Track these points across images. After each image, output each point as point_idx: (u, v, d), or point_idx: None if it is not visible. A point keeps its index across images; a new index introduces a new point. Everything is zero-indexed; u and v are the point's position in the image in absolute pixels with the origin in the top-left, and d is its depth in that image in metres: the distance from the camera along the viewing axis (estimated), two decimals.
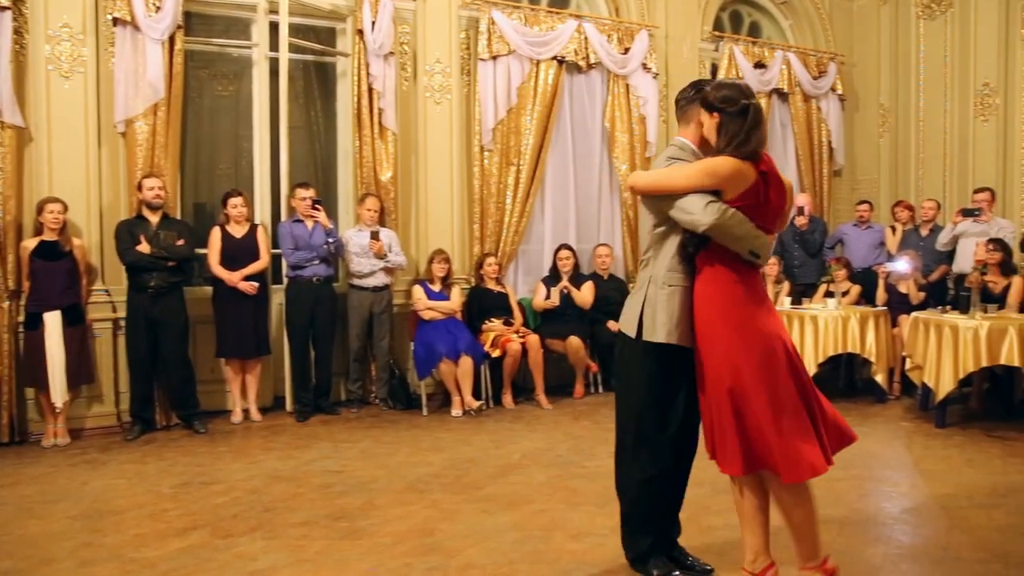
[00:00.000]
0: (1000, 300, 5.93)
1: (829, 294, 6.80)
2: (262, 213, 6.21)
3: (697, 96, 2.85)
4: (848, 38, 9.04)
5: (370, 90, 6.37)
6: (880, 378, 6.27)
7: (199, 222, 6.36)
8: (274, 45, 6.14)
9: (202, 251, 5.83)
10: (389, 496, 4.12)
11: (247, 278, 5.74)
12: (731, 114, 2.70)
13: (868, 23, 8.91)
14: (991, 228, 6.66)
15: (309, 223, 6.02)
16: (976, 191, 7.03)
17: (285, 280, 6.07)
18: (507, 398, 6.41)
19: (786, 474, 2.62)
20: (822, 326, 6.16)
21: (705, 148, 2.85)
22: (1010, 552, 3.30)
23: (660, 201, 2.76)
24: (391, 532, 3.59)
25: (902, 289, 6.83)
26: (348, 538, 3.52)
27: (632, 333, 2.86)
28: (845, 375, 7.14)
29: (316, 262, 5.99)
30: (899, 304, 6.74)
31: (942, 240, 6.98)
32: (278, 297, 6.21)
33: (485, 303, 6.64)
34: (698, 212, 2.65)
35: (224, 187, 6.25)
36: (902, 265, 6.74)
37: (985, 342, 5.20)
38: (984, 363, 5.23)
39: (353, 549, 3.39)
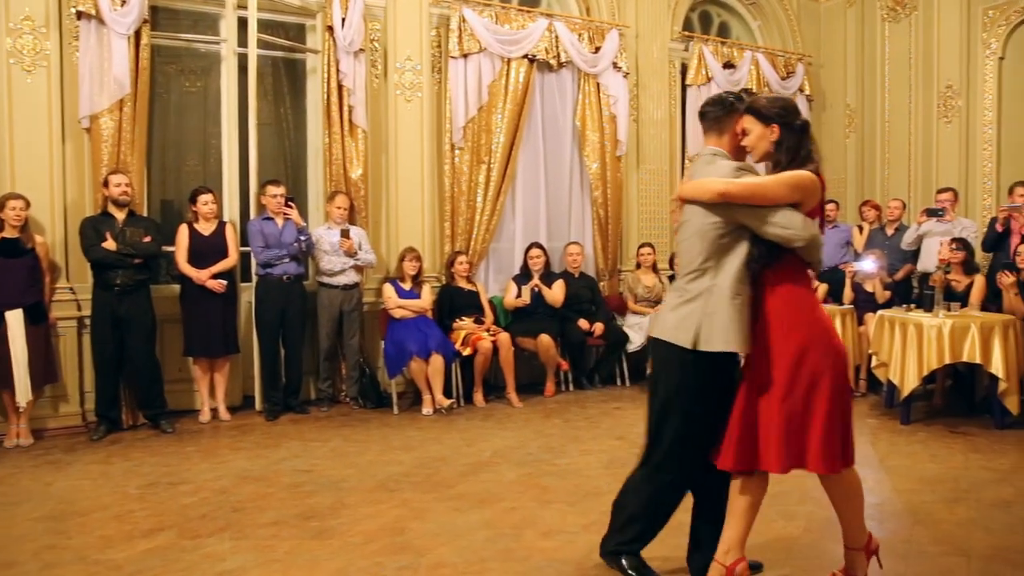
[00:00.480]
0: (963, 299, 6.04)
1: None
2: (231, 210, 6.14)
3: (738, 107, 2.84)
4: (815, 39, 9.15)
5: (340, 87, 6.33)
6: (848, 375, 6.35)
7: (166, 219, 6.27)
8: (243, 41, 6.07)
9: (169, 248, 5.75)
10: (359, 495, 4.10)
11: (215, 276, 5.68)
12: (793, 127, 2.77)
13: (835, 25, 9.03)
14: (954, 227, 6.78)
15: (279, 220, 5.97)
16: (939, 191, 7.16)
17: (254, 278, 6.01)
18: (478, 396, 6.40)
19: (845, 462, 2.76)
20: None
21: (739, 158, 2.87)
22: (972, 546, 3.36)
23: (736, 211, 2.71)
24: (361, 531, 3.57)
25: (868, 288, 6.93)
26: (318, 538, 3.50)
27: (687, 343, 2.75)
28: None
29: (286, 260, 5.94)
30: (865, 303, 6.84)
31: (907, 240, 7.10)
32: (247, 295, 6.14)
33: (456, 301, 6.63)
34: (798, 227, 2.68)
35: (192, 184, 6.17)
36: (868, 264, 6.84)
37: (948, 340, 5.30)
38: (947, 360, 5.33)
39: (323, 549, 3.37)
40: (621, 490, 3.07)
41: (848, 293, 6.99)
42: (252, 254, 5.98)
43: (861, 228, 7.69)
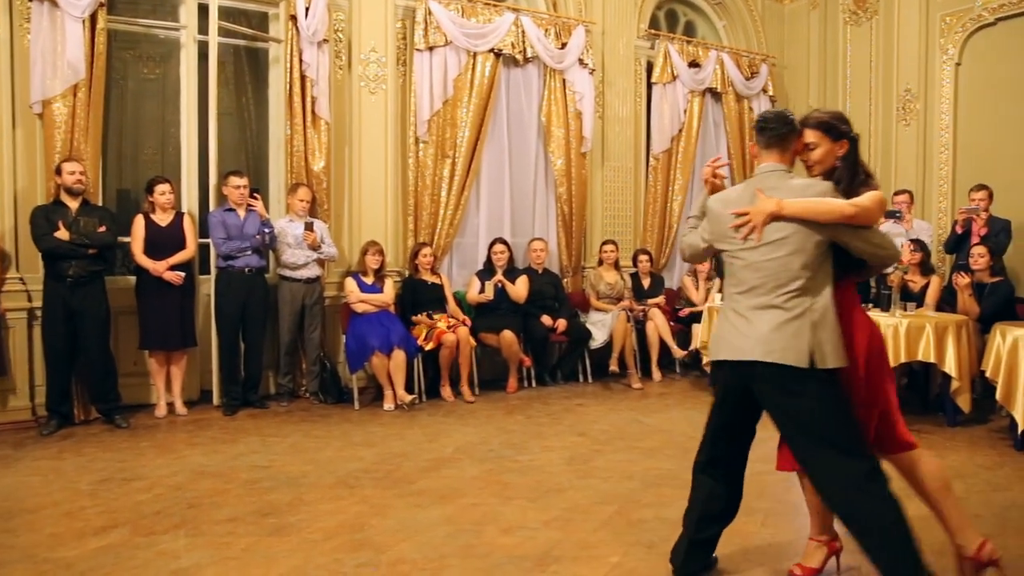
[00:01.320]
0: (919, 299, 6.16)
1: None
2: (189, 201, 6.02)
3: (802, 123, 2.85)
4: (779, 41, 9.26)
5: (303, 78, 6.23)
6: None
7: (122, 209, 6.14)
8: (203, 28, 5.95)
9: (125, 239, 5.63)
10: (319, 491, 4.04)
11: (173, 268, 5.56)
12: (855, 142, 2.83)
13: (798, 27, 9.14)
14: (910, 230, 6.91)
15: (242, 212, 5.87)
16: (896, 193, 7.28)
17: (214, 270, 5.90)
18: (446, 391, 6.36)
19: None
20: None
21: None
22: (925, 539, 3.40)
23: (840, 231, 2.71)
24: (320, 528, 3.52)
25: None
26: (276, 535, 3.44)
27: (803, 363, 2.65)
28: None
29: (249, 252, 5.84)
30: None
31: None
32: (206, 288, 6.04)
33: (419, 295, 6.58)
34: (891, 246, 2.80)
35: (149, 173, 6.06)
36: None
37: (904, 339, 5.38)
38: (903, 359, 5.41)
39: (281, 546, 3.32)
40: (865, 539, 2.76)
41: None
42: (213, 246, 5.86)
43: None
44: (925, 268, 6.41)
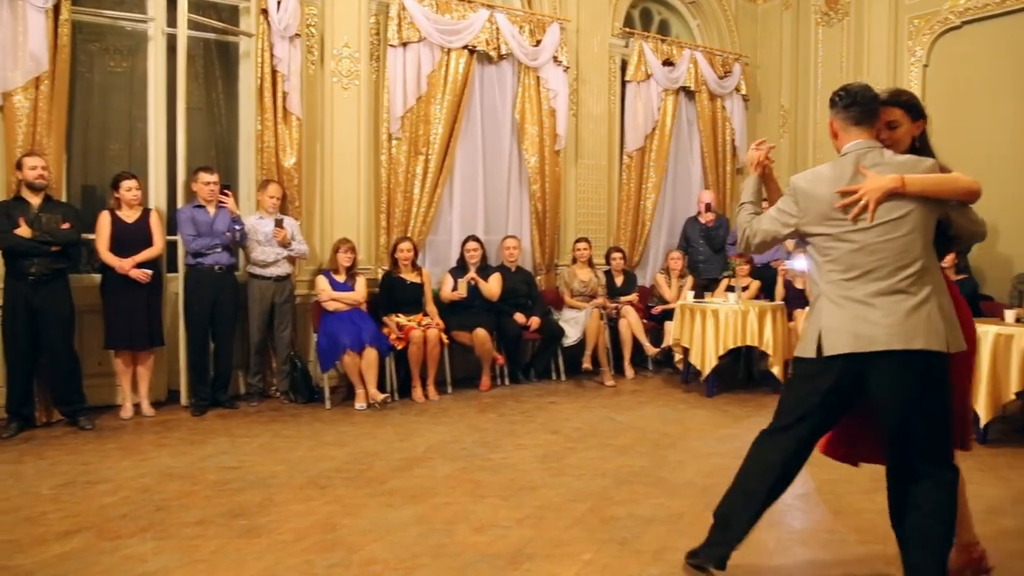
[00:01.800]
0: None
1: (730, 288, 6.98)
2: (156, 197, 5.92)
3: (885, 101, 2.79)
4: (752, 40, 9.31)
5: (274, 73, 6.16)
6: (776, 370, 6.48)
7: (87, 205, 6.00)
8: (172, 21, 5.85)
9: (90, 236, 5.51)
10: (289, 492, 3.99)
11: (140, 265, 5.46)
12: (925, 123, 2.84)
13: (771, 27, 9.21)
14: None
15: (211, 208, 5.78)
16: None
17: (183, 268, 5.81)
18: (417, 392, 6.31)
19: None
20: (723, 320, 6.32)
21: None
22: (890, 534, 3.42)
23: (950, 209, 2.69)
24: (291, 529, 3.47)
25: (798, 285, 7.09)
26: (245, 536, 3.38)
27: (944, 347, 2.54)
28: (744, 367, 7.36)
29: (219, 250, 5.76)
30: (795, 299, 6.99)
31: None
32: (173, 286, 5.94)
33: (397, 293, 6.50)
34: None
35: (115, 169, 5.92)
36: (800, 263, 6.99)
37: None
38: None
39: (251, 548, 3.26)
40: (913, 531, 2.66)
41: (780, 290, 7.14)
42: (181, 243, 5.77)
43: None
44: None
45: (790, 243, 7.59)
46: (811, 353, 2.66)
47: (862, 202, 2.59)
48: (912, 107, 2.82)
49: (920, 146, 2.83)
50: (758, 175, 3.00)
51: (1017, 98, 7.20)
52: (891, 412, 2.60)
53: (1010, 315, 5.20)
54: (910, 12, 7.91)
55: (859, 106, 2.70)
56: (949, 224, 2.72)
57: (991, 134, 7.26)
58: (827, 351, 2.62)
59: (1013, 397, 4.87)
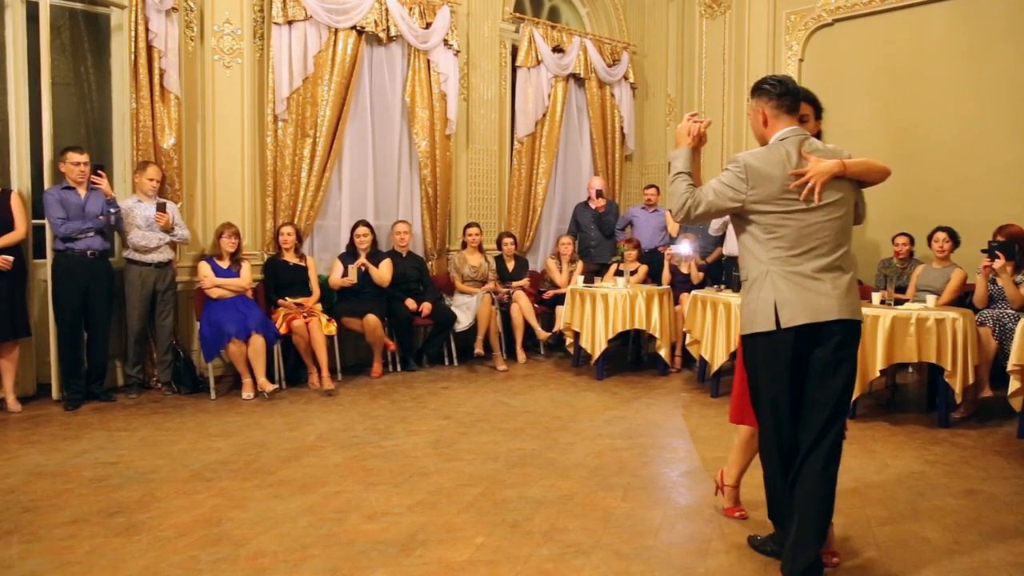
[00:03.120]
0: None
1: (619, 273, 7.15)
2: (19, 179, 5.54)
3: (805, 96, 3.01)
4: (640, 29, 9.52)
5: (149, 48, 5.85)
6: (663, 352, 6.71)
7: None
8: None
9: None
10: (171, 486, 3.84)
11: (1, 251, 5.11)
12: None
13: (658, 17, 9.44)
14: None
15: (82, 190, 5.46)
16: None
17: (51, 254, 5.46)
18: (313, 378, 6.16)
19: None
20: (612, 304, 6.47)
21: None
22: (762, 504, 3.64)
23: (859, 192, 3.00)
24: (173, 524, 3.35)
25: (684, 269, 7.33)
26: (124, 534, 3.24)
27: (862, 318, 2.94)
28: (632, 350, 7.57)
29: (91, 234, 5.45)
30: (681, 283, 7.23)
31: (714, 226, 7.54)
32: (40, 273, 5.59)
33: (281, 276, 6.36)
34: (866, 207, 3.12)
35: None
36: (684, 248, 7.22)
37: None
38: None
39: (130, 546, 3.12)
40: (803, 496, 2.77)
41: (666, 275, 7.37)
42: (49, 227, 5.42)
43: None
44: None
45: (674, 228, 7.85)
46: (770, 326, 2.76)
47: (810, 184, 2.74)
48: (818, 105, 3.08)
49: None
50: (691, 147, 3.02)
51: (886, 93, 7.66)
52: (825, 375, 2.78)
53: (876, 297, 5.55)
54: (787, 8, 8.29)
55: (790, 96, 2.86)
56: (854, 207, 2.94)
57: (862, 127, 7.69)
58: (785, 323, 2.75)
59: (878, 375, 5.21)
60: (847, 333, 2.79)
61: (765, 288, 2.79)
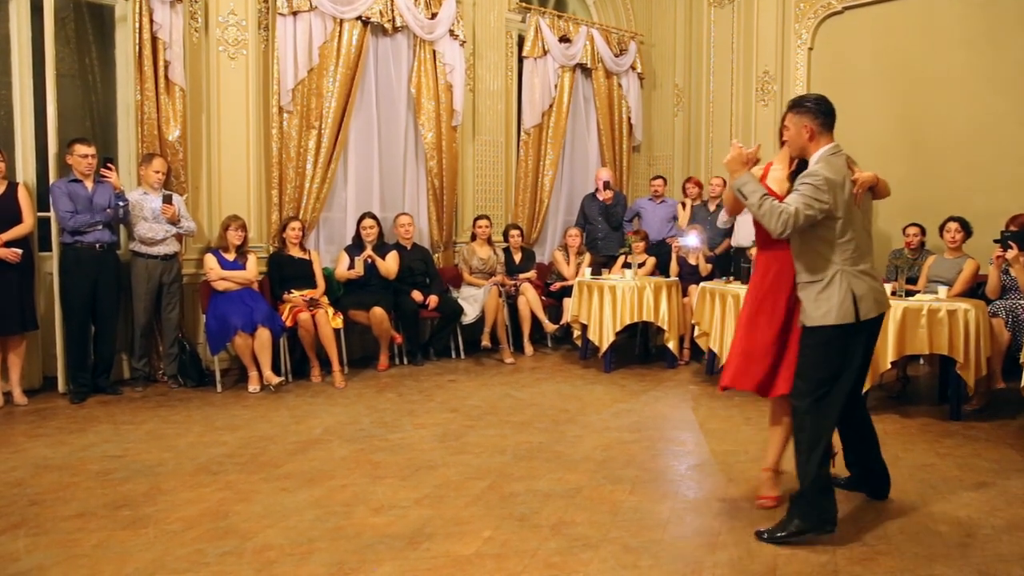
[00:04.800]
0: None
1: (627, 265, 7.11)
2: (25, 171, 5.52)
3: None
4: (647, 19, 9.45)
5: (154, 39, 5.82)
6: (672, 345, 6.66)
7: None
8: None
9: None
10: (178, 479, 3.83)
11: (8, 244, 5.10)
12: None
13: (665, 5, 9.37)
14: None
15: (88, 183, 5.44)
16: None
17: (57, 247, 5.45)
18: (314, 371, 6.14)
19: None
20: (620, 296, 6.43)
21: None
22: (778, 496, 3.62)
23: None
24: (180, 518, 3.34)
25: (692, 261, 7.28)
26: (130, 528, 3.23)
27: None
28: (640, 342, 7.53)
29: (100, 227, 5.44)
30: (689, 275, 7.19)
31: (722, 219, 7.52)
32: (47, 266, 5.58)
33: (286, 271, 6.34)
34: None
35: None
36: (692, 239, 7.18)
37: None
38: None
39: (136, 539, 3.11)
40: (867, 430, 3.58)
41: (674, 266, 7.32)
42: (58, 220, 5.40)
43: (684, 204, 8.05)
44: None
45: (683, 221, 7.81)
46: (850, 319, 3.14)
47: (858, 190, 3.18)
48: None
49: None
50: (749, 170, 3.28)
51: (895, 81, 7.59)
52: (868, 358, 3.32)
53: (887, 288, 5.48)
54: None
55: (832, 115, 3.25)
56: None
57: (873, 116, 7.63)
58: (863, 316, 3.17)
59: (889, 367, 5.16)
60: (881, 324, 3.35)
61: (842, 286, 3.15)
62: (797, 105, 3.26)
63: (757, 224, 3.34)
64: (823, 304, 3.15)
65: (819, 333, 3.18)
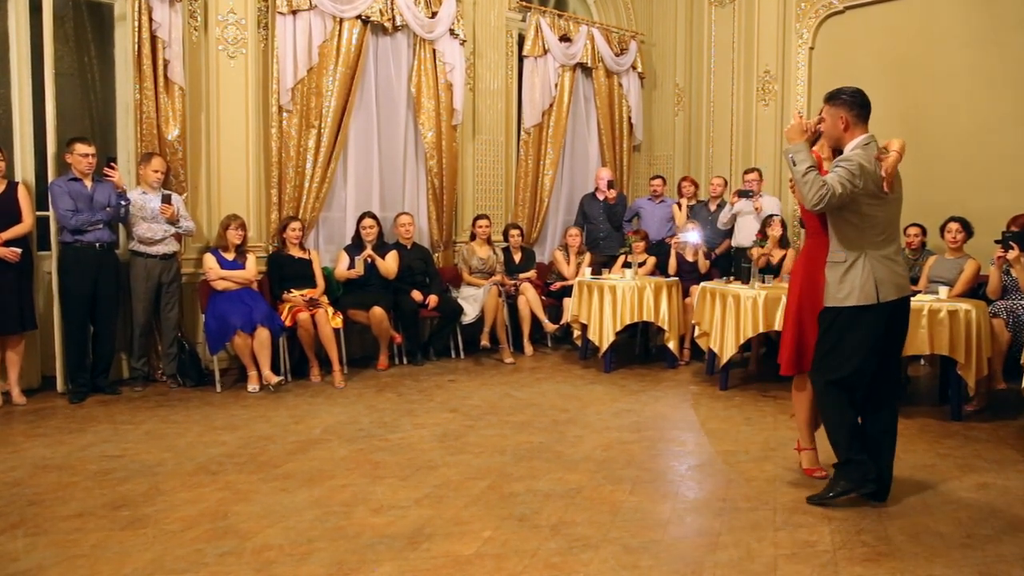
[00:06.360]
0: (776, 271, 6.47)
1: (627, 265, 7.10)
2: (24, 170, 5.51)
3: None
4: (648, 18, 9.44)
5: (153, 38, 5.81)
6: (672, 345, 6.65)
7: None
8: None
9: None
10: (177, 479, 3.82)
11: (7, 243, 5.09)
12: None
13: (666, 5, 9.36)
14: (760, 205, 7.27)
15: (88, 182, 5.43)
16: (746, 171, 7.61)
17: (56, 246, 5.44)
18: (313, 371, 6.13)
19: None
20: (620, 296, 6.42)
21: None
22: (777, 499, 3.61)
23: None
24: (179, 518, 3.33)
25: (690, 257, 7.28)
26: (129, 528, 3.22)
27: None
28: (640, 342, 7.52)
29: (101, 226, 5.43)
30: (689, 274, 7.18)
31: (722, 219, 7.52)
32: (46, 265, 5.57)
33: (286, 270, 6.33)
34: None
35: None
36: (693, 236, 7.18)
37: (762, 309, 5.63)
38: (761, 329, 5.67)
39: (135, 539, 3.10)
40: (890, 427, 3.57)
41: (673, 265, 7.31)
42: (57, 219, 5.39)
43: (680, 205, 8.02)
44: (784, 241, 6.77)
45: (680, 221, 7.80)
46: (871, 300, 3.31)
47: (887, 178, 3.33)
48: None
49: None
50: (807, 141, 3.44)
51: (898, 81, 7.58)
52: (895, 343, 3.49)
53: None
54: None
55: (867, 108, 3.43)
56: None
57: (874, 116, 7.50)
58: (883, 298, 3.33)
59: None
60: (907, 304, 3.50)
61: (865, 269, 3.33)
62: (833, 97, 3.43)
63: (806, 213, 3.56)
64: (846, 286, 3.34)
65: (839, 313, 3.38)
